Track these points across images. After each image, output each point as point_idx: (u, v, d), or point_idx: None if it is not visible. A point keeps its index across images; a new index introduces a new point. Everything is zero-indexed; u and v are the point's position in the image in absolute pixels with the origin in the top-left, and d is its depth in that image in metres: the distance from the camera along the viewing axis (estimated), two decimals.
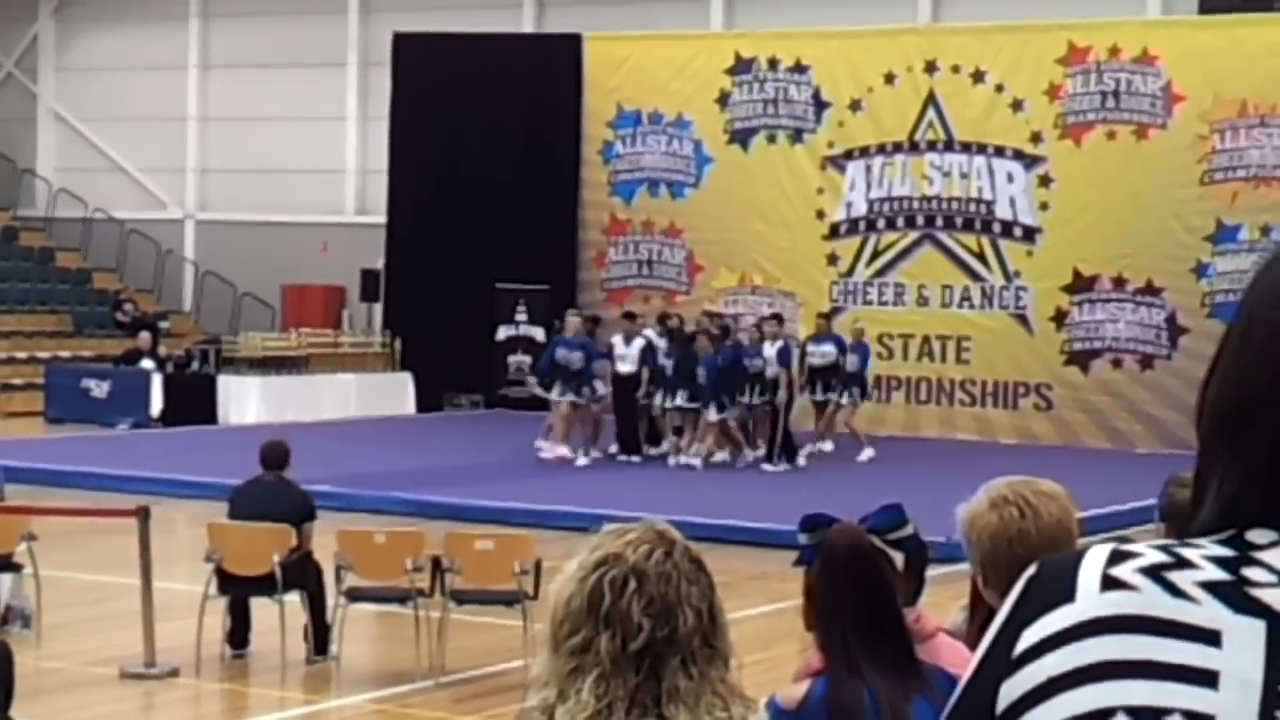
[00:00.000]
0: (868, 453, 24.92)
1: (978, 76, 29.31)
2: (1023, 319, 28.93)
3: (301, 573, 13.24)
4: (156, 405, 29.90)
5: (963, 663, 2.04)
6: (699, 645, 2.90)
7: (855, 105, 30.19)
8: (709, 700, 2.88)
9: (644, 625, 2.87)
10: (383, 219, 33.86)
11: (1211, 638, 1.42)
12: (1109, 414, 27.28)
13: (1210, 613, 1.43)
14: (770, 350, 23.80)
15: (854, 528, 4.32)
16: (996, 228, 29.32)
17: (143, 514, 13.26)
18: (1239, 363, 1.49)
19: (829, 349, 25.52)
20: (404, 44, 33.17)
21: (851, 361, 25.28)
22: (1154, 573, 1.47)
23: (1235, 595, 1.44)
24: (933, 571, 4.85)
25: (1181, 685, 1.41)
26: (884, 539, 4.29)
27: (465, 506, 19.80)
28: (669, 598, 2.89)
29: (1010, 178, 29.21)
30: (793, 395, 23.95)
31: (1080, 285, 28.61)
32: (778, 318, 25.67)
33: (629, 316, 25.90)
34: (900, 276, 29.89)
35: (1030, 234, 29.12)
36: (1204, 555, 1.47)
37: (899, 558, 4.28)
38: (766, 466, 23.59)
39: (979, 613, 5.11)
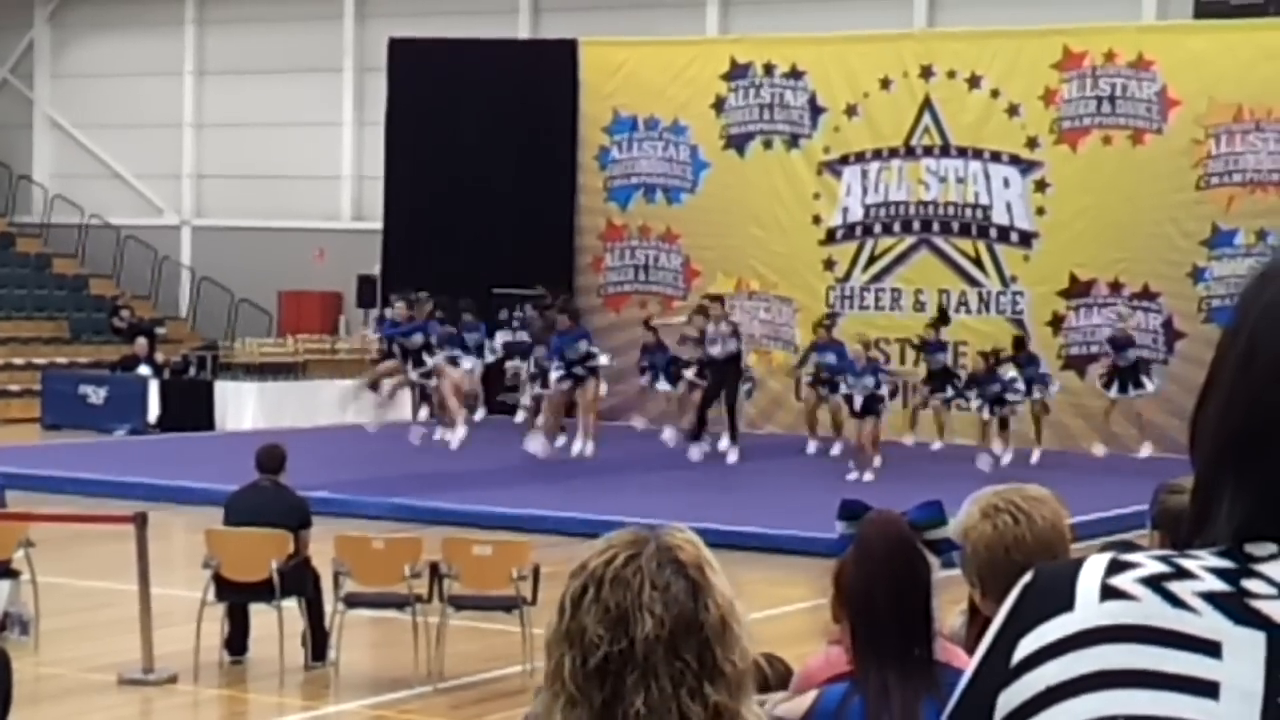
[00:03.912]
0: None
1: (973, 82, 29.33)
2: (1020, 324, 28.93)
3: (299, 579, 13.25)
4: (153, 411, 29.91)
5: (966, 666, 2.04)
6: (662, 658, 2.56)
7: (851, 110, 30.20)
8: None
9: (599, 639, 2.57)
10: (379, 225, 33.86)
11: (1212, 649, 1.43)
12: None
13: (1210, 624, 1.44)
14: (720, 328, 23.65)
15: (893, 516, 4.29)
16: (993, 232, 29.34)
17: (140, 520, 13.27)
18: (1243, 391, 1.48)
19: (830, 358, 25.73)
20: (399, 50, 33.17)
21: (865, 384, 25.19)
22: (1154, 583, 1.47)
23: (1235, 606, 1.44)
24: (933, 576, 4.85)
25: (1182, 695, 1.42)
26: (921, 537, 4.25)
27: (463, 512, 19.81)
28: (625, 605, 2.57)
29: (1006, 183, 29.23)
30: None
31: (1077, 290, 28.63)
32: (719, 299, 25.77)
33: (716, 299, 25.60)
34: (897, 281, 29.89)
35: (1027, 239, 29.14)
36: (1203, 566, 1.48)
37: (935, 561, 4.24)
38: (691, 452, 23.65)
39: (978, 618, 5.11)
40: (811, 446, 26.38)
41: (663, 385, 27.66)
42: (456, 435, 22.65)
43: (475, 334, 28.14)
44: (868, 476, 23.51)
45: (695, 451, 23.52)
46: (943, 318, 26.88)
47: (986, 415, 24.60)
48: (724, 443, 24.50)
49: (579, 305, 25.74)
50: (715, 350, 23.40)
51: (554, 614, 2.64)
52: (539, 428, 24.88)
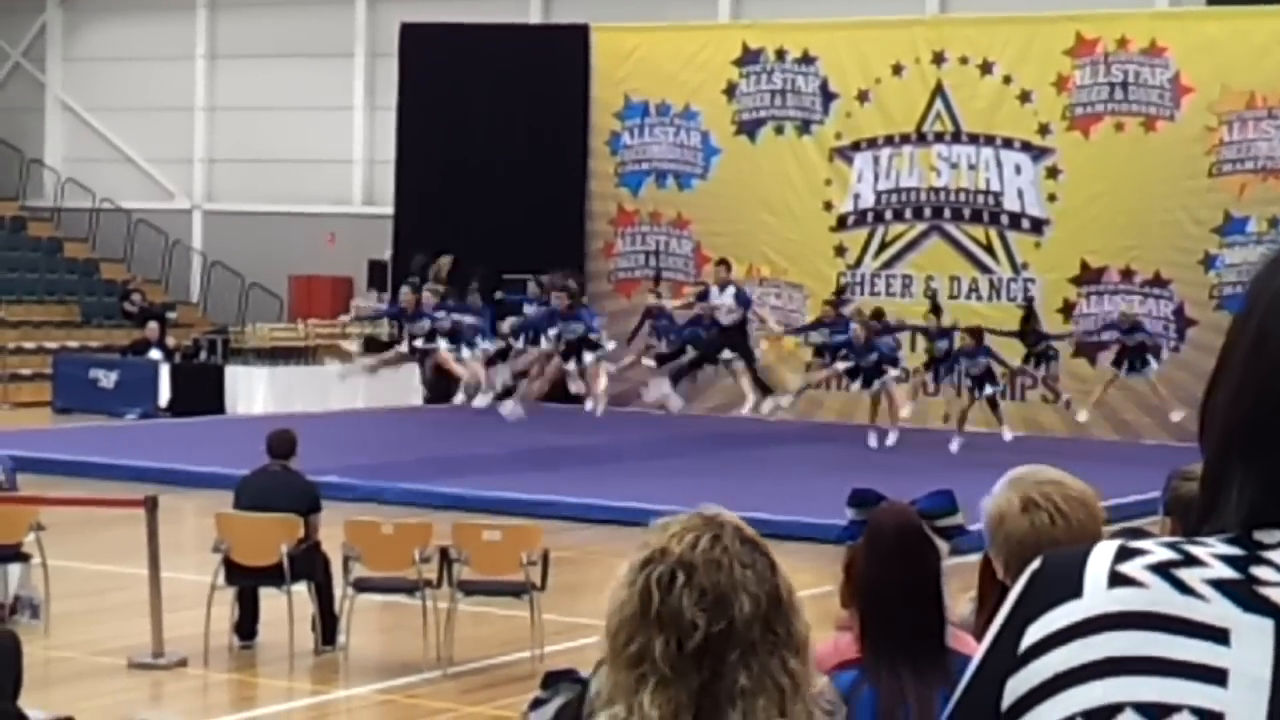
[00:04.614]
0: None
1: (985, 68, 29.29)
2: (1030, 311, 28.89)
3: (309, 563, 13.26)
4: (164, 395, 29.93)
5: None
6: (759, 634, 2.66)
7: (863, 96, 30.17)
8: (767, 697, 2.65)
9: (698, 621, 2.63)
10: (390, 210, 33.86)
11: (1220, 635, 1.43)
12: (1116, 405, 27.26)
13: (1219, 610, 1.44)
14: (725, 297, 23.62)
15: (903, 506, 4.29)
16: (1004, 219, 29.31)
17: (150, 504, 13.28)
18: (1252, 376, 1.48)
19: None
20: (411, 34, 33.16)
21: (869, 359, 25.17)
22: (1162, 570, 1.47)
23: (1244, 593, 1.44)
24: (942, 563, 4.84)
25: (1190, 682, 1.42)
26: (931, 524, 4.25)
27: (473, 497, 19.82)
28: (722, 586, 2.65)
29: (1018, 169, 29.19)
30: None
31: (1088, 277, 28.60)
32: (725, 264, 25.91)
33: (722, 264, 25.88)
34: (908, 268, 29.88)
35: (1038, 225, 29.10)
36: (1212, 553, 1.47)
37: (944, 546, 4.24)
38: (762, 408, 23.59)
39: (987, 605, 5.11)
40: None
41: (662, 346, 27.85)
42: (486, 396, 22.91)
43: (478, 318, 27.73)
44: (890, 440, 23.68)
45: (592, 407, 23.72)
46: (935, 309, 26.87)
47: (975, 395, 24.65)
48: (763, 404, 24.39)
49: (578, 287, 25.69)
50: (724, 319, 23.64)
51: (630, 598, 2.66)
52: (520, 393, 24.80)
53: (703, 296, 25.05)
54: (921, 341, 27.17)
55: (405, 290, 23.93)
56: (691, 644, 2.63)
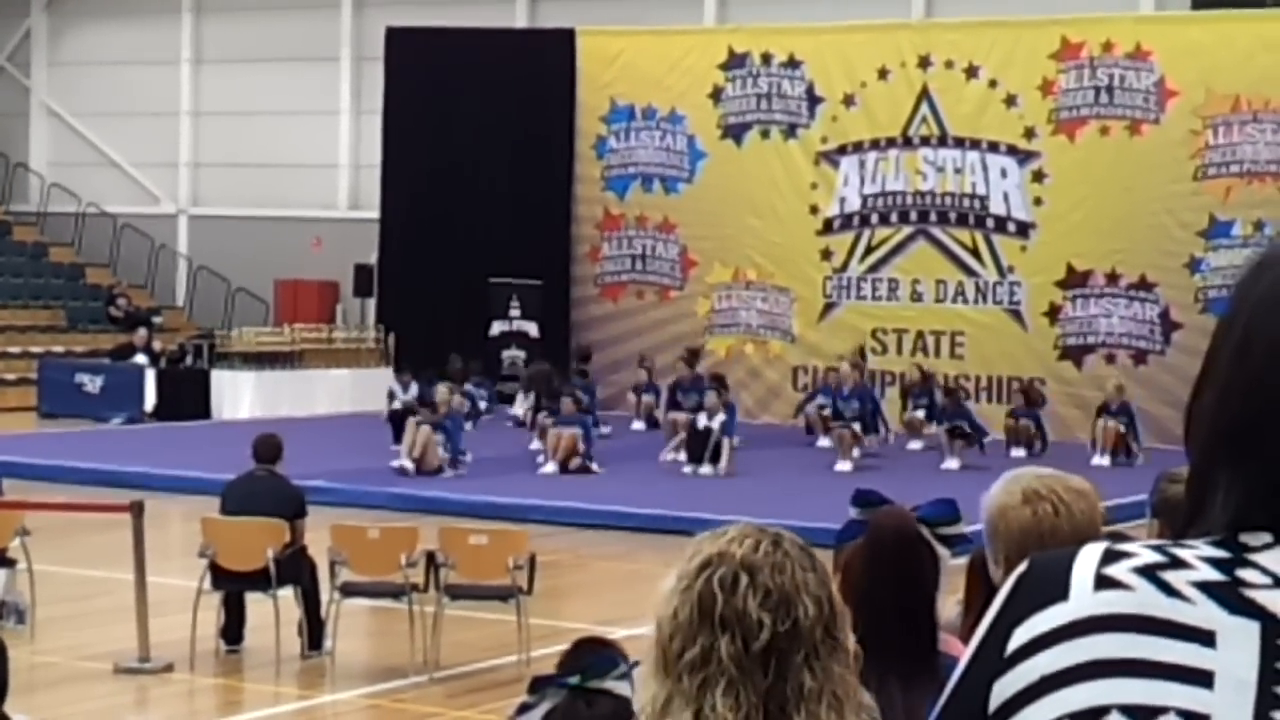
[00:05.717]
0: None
1: (971, 72, 29.32)
2: (1016, 314, 28.95)
3: (295, 568, 13.24)
4: (150, 400, 29.87)
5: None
6: (821, 637, 2.69)
7: (849, 100, 30.19)
8: (829, 702, 2.68)
9: (764, 621, 2.65)
10: (376, 214, 33.85)
11: (1206, 638, 1.43)
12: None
13: (1205, 613, 1.44)
14: (715, 422, 23.34)
15: (903, 511, 4.29)
16: (990, 223, 29.34)
17: (136, 509, 13.26)
18: (1239, 379, 1.48)
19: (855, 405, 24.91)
20: (397, 39, 33.16)
21: (853, 407, 24.85)
22: (1149, 572, 1.47)
23: (1230, 596, 1.44)
24: None
25: (1176, 684, 1.42)
26: (933, 531, 4.25)
27: (459, 501, 19.81)
28: (786, 588, 2.67)
29: (1004, 173, 29.23)
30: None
31: (1074, 280, 28.64)
32: (720, 381, 25.24)
33: (718, 381, 25.01)
34: (894, 272, 29.90)
35: (1024, 229, 29.14)
36: (1198, 556, 1.48)
37: (945, 554, 4.24)
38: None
39: (973, 607, 5.11)
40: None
41: (639, 425, 28.12)
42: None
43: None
44: (845, 466, 23.41)
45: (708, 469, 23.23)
46: (924, 377, 26.91)
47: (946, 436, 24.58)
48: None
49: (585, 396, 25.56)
50: (710, 423, 23.50)
51: (687, 603, 2.66)
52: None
53: (692, 390, 25.08)
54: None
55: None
56: (758, 644, 2.65)
